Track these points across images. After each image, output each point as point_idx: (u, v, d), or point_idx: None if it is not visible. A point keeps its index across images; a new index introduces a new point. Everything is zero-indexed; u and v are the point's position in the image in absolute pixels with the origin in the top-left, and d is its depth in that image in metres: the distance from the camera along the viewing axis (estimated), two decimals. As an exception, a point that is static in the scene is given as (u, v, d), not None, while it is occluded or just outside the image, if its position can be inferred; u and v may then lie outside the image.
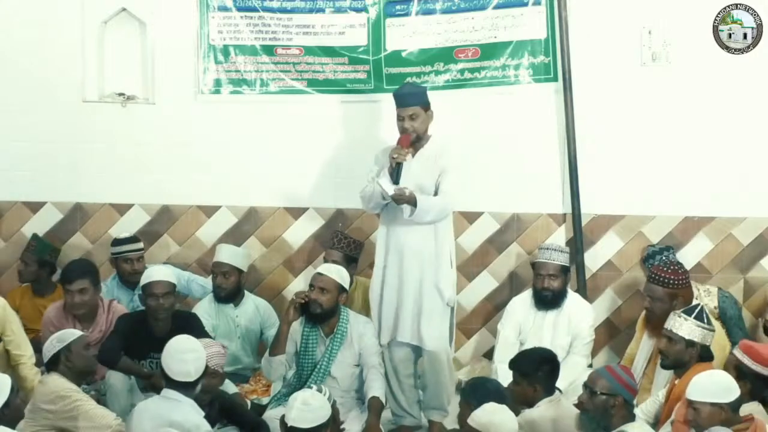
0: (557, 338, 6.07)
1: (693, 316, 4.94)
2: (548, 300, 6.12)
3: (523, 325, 6.18)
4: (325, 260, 6.36)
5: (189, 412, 4.62)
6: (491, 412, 4.36)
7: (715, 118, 6.36)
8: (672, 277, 5.60)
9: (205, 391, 4.99)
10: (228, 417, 5.26)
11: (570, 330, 6.10)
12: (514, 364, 5.05)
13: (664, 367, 5.07)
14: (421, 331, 5.66)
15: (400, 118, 5.58)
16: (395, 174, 5.51)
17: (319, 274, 5.59)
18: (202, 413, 4.70)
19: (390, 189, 5.49)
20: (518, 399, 4.95)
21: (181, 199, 6.92)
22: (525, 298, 6.28)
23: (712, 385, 4.33)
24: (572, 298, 6.23)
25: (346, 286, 5.66)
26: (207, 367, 4.83)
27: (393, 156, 5.50)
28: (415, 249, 5.61)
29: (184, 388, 4.66)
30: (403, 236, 5.61)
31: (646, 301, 5.69)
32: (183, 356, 4.69)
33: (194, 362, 4.71)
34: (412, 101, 5.57)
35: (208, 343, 5.17)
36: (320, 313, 5.56)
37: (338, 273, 5.65)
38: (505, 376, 5.41)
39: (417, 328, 5.67)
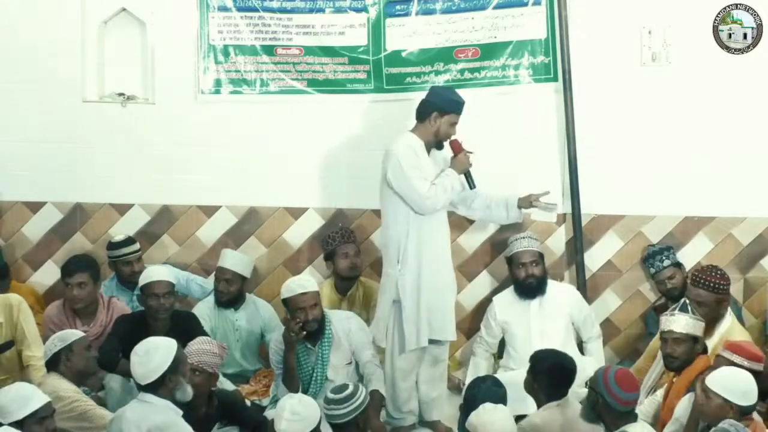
0: (547, 325, 6.10)
1: (679, 309, 5.01)
2: (534, 287, 6.14)
3: (507, 322, 6.20)
4: (345, 257, 6.36)
5: (165, 413, 4.56)
6: (482, 414, 4.40)
7: (715, 118, 6.36)
8: (722, 282, 5.43)
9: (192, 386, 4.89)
10: (229, 416, 5.23)
11: (561, 317, 6.12)
12: (531, 357, 5.08)
13: (673, 369, 5.05)
14: (449, 324, 5.73)
15: (454, 124, 5.64)
16: (470, 179, 5.72)
17: (303, 293, 5.56)
18: (180, 412, 4.63)
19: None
20: (525, 388, 4.97)
21: (181, 199, 6.92)
22: (505, 295, 6.31)
23: (734, 384, 4.35)
24: (553, 284, 6.27)
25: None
26: (177, 364, 4.68)
27: (470, 164, 5.69)
28: (443, 245, 5.69)
29: (153, 389, 4.59)
30: (433, 234, 5.62)
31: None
32: (134, 359, 4.63)
33: (145, 365, 4.58)
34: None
35: (200, 341, 5.16)
36: (317, 327, 5.59)
37: (313, 282, 5.72)
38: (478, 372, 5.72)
39: (449, 322, 5.72)
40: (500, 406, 4.50)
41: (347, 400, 4.52)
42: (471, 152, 5.68)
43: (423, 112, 5.66)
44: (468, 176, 5.72)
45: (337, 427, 4.55)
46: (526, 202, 6.11)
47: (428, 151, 5.66)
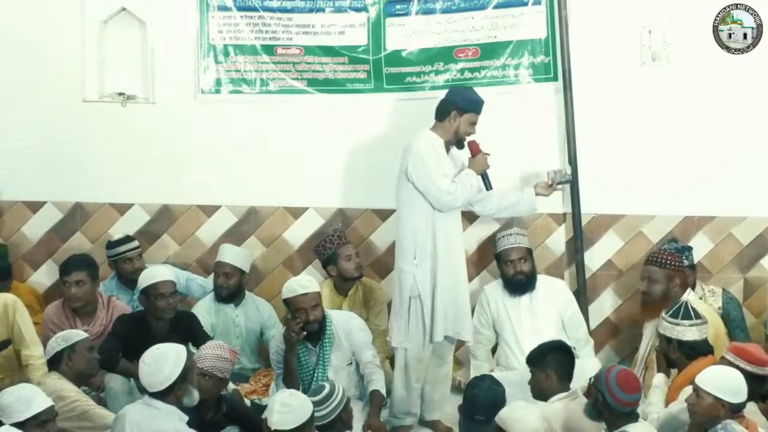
0: (539, 321, 6.12)
1: (670, 314, 5.01)
2: (523, 284, 6.16)
3: (498, 313, 6.22)
4: (348, 259, 6.34)
5: (170, 419, 4.55)
6: (513, 410, 4.45)
7: (715, 118, 6.35)
8: (669, 258, 5.75)
9: (199, 391, 4.89)
10: (236, 421, 5.19)
11: (551, 311, 6.14)
12: (527, 360, 5.08)
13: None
14: (466, 323, 5.73)
15: (473, 123, 5.66)
16: (487, 180, 5.71)
17: (304, 294, 5.55)
18: (186, 418, 4.62)
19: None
20: (536, 391, 4.98)
21: (181, 199, 6.92)
22: (496, 286, 6.32)
23: (724, 382, 4.36)
24: (543, 279, 6.29)
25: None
26: (187, 372, 4.64)
27: (488, 165, 5.69)
28: (458, 243, 5.72)
29: (161, 396, 4.57)
30: (448, 231, 5.62)
31: (643, 285, 5.74)
32: (143, 368, 4.59)
33: (155, 375, 4.55)
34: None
35: (211, 346, 5.15)
36: (318, 327, 5.60)
37: (314, 282, 5.70)
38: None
39: (467, 321, 5.73)
40: (531, 405, 4.57)
41: (327, 400, 4.54)
42: (488, 154, 5.70)
43: (443, 111, 5.67)
44: (485, 178, 5.73)
45: (323, 428, 4.56)
46: (544, 188, 6.12)
47: (447, 149, 5.67)
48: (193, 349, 5.28)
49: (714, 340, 5.17)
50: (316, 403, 4.52)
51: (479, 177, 5.71)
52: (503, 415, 4.43)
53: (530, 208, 6.18)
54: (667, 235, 6.49)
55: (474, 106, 5.66)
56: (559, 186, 6.25)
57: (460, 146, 5.71)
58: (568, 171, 6.29)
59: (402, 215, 5.67)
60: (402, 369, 5.66)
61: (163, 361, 4.57)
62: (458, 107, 5.62)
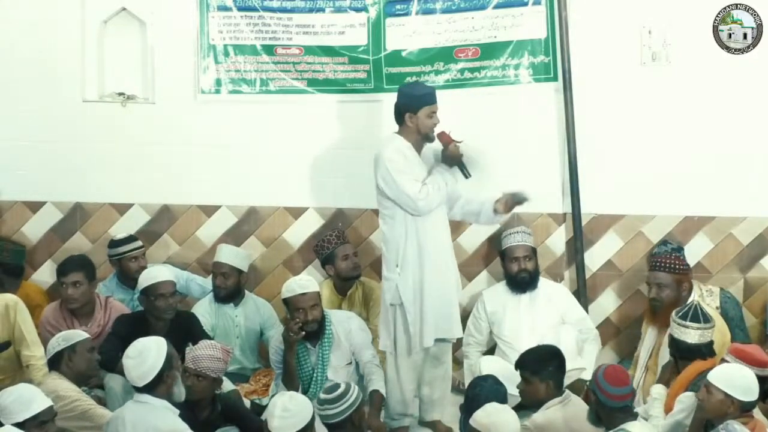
0: (537, 319, 6.13)
1: (680, 316, 5.03)
2: (526, 281, 6.19)
3: (497, 313, 6.23)
4: (345, 258, 6.36)
5: (162, 413, 4.56)
6: (491, 413, 4.38)
7: (715, 118, 6.36)
8: (677, 262, 5.75)
9: (193, 392, 4.92)
10: (231, 421, 5.19)
11: (551, 313, 6.15)
12: (521, 363, 5.05)
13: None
14: (455, 321, 5.70)
15: (432, 114, 5.53)
16: (465, 169, 5.57)
17: (303, 294, 5.56)
18: (177, 411, 4.62)
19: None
20: (530, 399, 4.95)
21: (181, 199, 6.92)
22: (495, 288, 6.36)
23: (736, 379, 4.36)
24: (543, 281, 6.31)
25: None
26: (171, 359, 4.65)
27: (461, 154, 5.54)
28: (445, 242, 5.65)
29: (150, 389, 4.58)
30: (435, 234, 5.58)
31: (652, 291, 5.71)
32: (129, 362, 4.60)
33: (140, 366, 4.56)
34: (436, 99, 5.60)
35: (204, 346, 5.14)
36: (318, 327, 5.60)
37: (313, 282, 5.71)
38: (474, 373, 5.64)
39: (455, 320, 5.70)
40: (506, 406, 4.52)
41: (339, 399, 4.52)
42: (460, 141, 5.59)
43: (398, 116, 5.60)
44: (462, 166, 5.60)
45: (332, 426, 4.55)
46: (503, 205, 5.75)
47: (419, 148, 5.60)
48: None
49: (720, 348, 5.17)
50: (327, 401, 4.52)
51: (456, 167, 5.59)
52: (482, 421, 4.36)
53: (490, 221, 5.99)
54: (667, 235, 6.49)
55: (424, 99, 5.54)
56: (517, 206, 5.88)
57: (431, 140, 5.61)
58: (525, 195, 5.80)
59: (383, 224, 5.64)
60: (394, 372, 5.66)
61: (147, 352, 4.59)
62: (409, 108, 5.53)
